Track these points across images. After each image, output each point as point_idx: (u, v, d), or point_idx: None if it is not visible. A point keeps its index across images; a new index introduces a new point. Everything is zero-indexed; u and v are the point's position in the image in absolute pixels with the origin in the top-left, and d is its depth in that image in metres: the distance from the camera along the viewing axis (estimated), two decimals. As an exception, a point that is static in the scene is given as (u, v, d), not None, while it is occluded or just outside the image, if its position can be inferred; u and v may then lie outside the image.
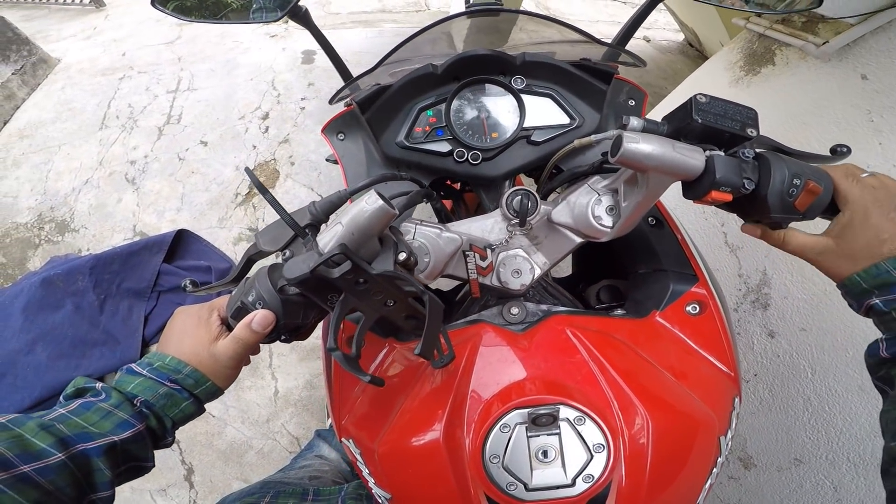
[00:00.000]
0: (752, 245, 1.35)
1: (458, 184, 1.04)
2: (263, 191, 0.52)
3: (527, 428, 0.55)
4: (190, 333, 0.59)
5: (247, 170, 0.55)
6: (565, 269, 1.08)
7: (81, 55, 3.41)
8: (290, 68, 3.05)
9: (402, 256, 0.53)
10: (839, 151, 0.58)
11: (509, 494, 0.55)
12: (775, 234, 0.61)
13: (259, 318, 0.56)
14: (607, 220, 0.61)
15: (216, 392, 0.60)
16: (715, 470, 0.63)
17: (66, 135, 2.72)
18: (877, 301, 0.52)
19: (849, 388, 1.10)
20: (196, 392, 0.58)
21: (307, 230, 0.55)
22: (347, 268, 0.45)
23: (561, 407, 0.56)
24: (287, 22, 3.44)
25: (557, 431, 0.55)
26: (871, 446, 1.05)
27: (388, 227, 0.55)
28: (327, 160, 1.09)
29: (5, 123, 2.82)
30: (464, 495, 0.57)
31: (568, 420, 0.56)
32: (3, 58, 2.98)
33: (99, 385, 0.54)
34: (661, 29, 3.92)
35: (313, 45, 3.26)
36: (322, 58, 3.08)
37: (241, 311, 0.56)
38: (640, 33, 3.76)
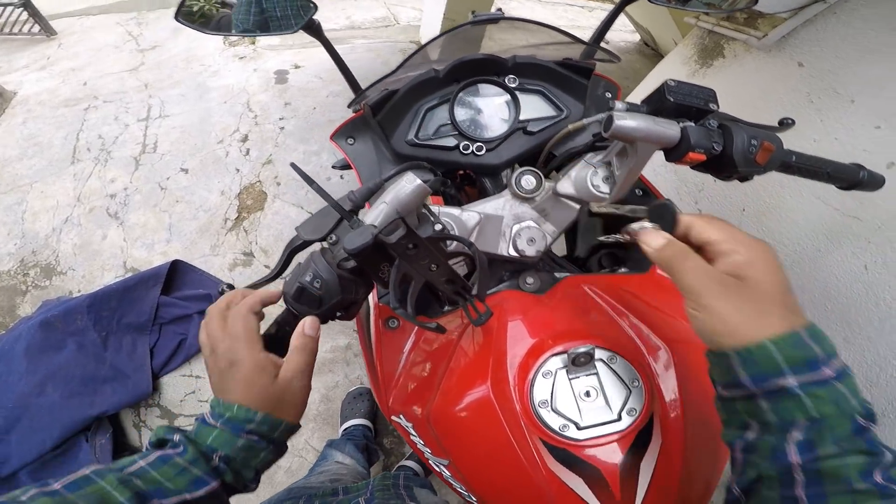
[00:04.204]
0: (726, 217, 1.45)
1: (458, 180, 1.12)
2: (310, 182, 0.57)
3: (567, 371, 0.61)
4: (254, 381, 0.56)
5: (293, 165, 0.59)
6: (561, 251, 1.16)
7: (39, 86, 3.30)
8: (265, 89, 3.05)
9: (439, 227, 0.59)
10: (785, 123, 0.70)
11: (563, 436, 0.59)
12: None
13: (309, 322, 0.58)
14: (604, 188, 0.69)
15: (294, 428, 0.59)
16: None
17: (36, 172, 2.64)
18: (792, 383, 0.40)
19: (834, 341, 1.19)
20: (274, 436, 0.56)
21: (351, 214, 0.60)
22: (403, 233, 0.50)
23: (595, 348, 0.61)
24: (255, 43, 3.40)
25: (595, 371, 0.61)
26: (869, 397, 1.09)
27: (423, 205, 0.61)
28: (333, 167, 1.15)
29: (-33, 164, 2.72)
30: (520, 444, 0.60)
31: (602, 360, 0.62)
32: (-43, 95, 2.87)
33: (177, 437, 0.53)
34: (618, 31, 4.09)
35: (285, 65, 3.29)
36: (296, 77, 3.10)
37: (301, 293, 0.58)
38: (597, 35, 3.89)
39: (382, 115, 0.87)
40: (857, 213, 1.09)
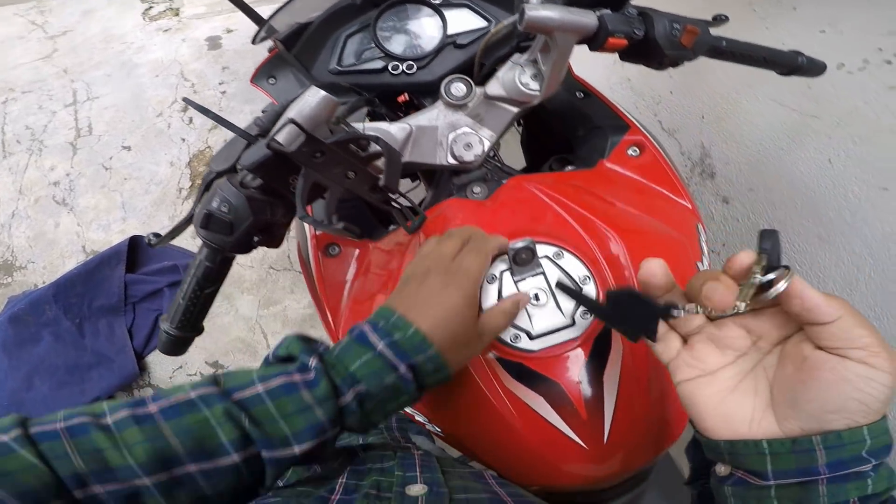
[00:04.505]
0: (686, 125, 1.46)
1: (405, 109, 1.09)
2: (206, 112, 0.52)
3: (511, 272, 0.58)
4: (455, 314, 0.48)
5: (185, 99, 0.56)
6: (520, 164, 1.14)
7: (-55, 87, 3.06)
8: (198, 57, 2.91)
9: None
10: (719, 18, 0.71)
11: (515, 347, 0.56)
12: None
13: (520, 298, 0.55)
14: (534, 85, 0.68)
15: (444, 381, 0.49)
16: None
17: (-33, 172, 2.48)
18: (868, 468, 0.35)
19: (808, 239, 1.12)
20: (427, 382, 0.47)
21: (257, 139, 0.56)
22: (302, 140, 0.46)
23: (538, 245, 0.58)
24: (178, 14, 3.20)
25: (541, 270, 0.58)
26: (851, 303, 1.13)
27: (335, 118, 0.58)
28: (263, 112, 1.10)
29: None
30: (473, 362, 0.57)
31: (547, 257, 0.59)
32: None
33: (313, 362, 0.44)
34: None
35: (216, 31, 3.13)
36: (230, 41, 2.98)
37: (209, 219, 0.54)
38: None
39: (298, 49, 0.82)
40: (814, 113, 1.09)
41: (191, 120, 2.56)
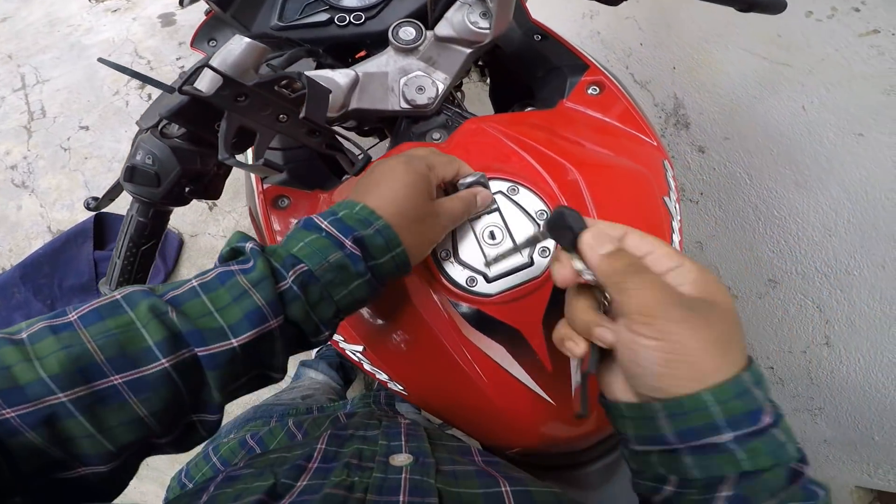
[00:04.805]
0: (658, 77, 1.46)
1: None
2: (123, 69, 0.49)
3: None
4: (404, 187, 0.45)
5: (100, 59, 0.51)
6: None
7: None
8: (151, 35, 2.82)
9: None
10: None
11: (471, 291, 0.54)
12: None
13: (484, 192, 0.53)
14: (483, 24, 0.66)
15: (403, 267, 0.45)
16: (675, 237, 0.62)
17: (-84, 162, 2.37)
18: (727, 438, 0.32)
19: (786, 185, 1.13)
20: (380, 261, 0.43)
21: None
22: (220, 83, 0.44)
23: (491, 180, 0.56)
24: None
25: (496, 207, 0.56)
26: (830, 249, 1.06)
27: (271, 68, 0.56)
28: None
29: None
30: (428, 308, 0.55)
31: (501, 192, 0.57)
32: None
33: (249, 246, 0.40)
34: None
35: (168, 8, 3.02)
36: (185, 16, 2.87)
37: (133, 172, 0.53)
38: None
39: (234, 9, 0.77)
40: (786, 61, 1.08)
41: (149, 96, 2.50)
